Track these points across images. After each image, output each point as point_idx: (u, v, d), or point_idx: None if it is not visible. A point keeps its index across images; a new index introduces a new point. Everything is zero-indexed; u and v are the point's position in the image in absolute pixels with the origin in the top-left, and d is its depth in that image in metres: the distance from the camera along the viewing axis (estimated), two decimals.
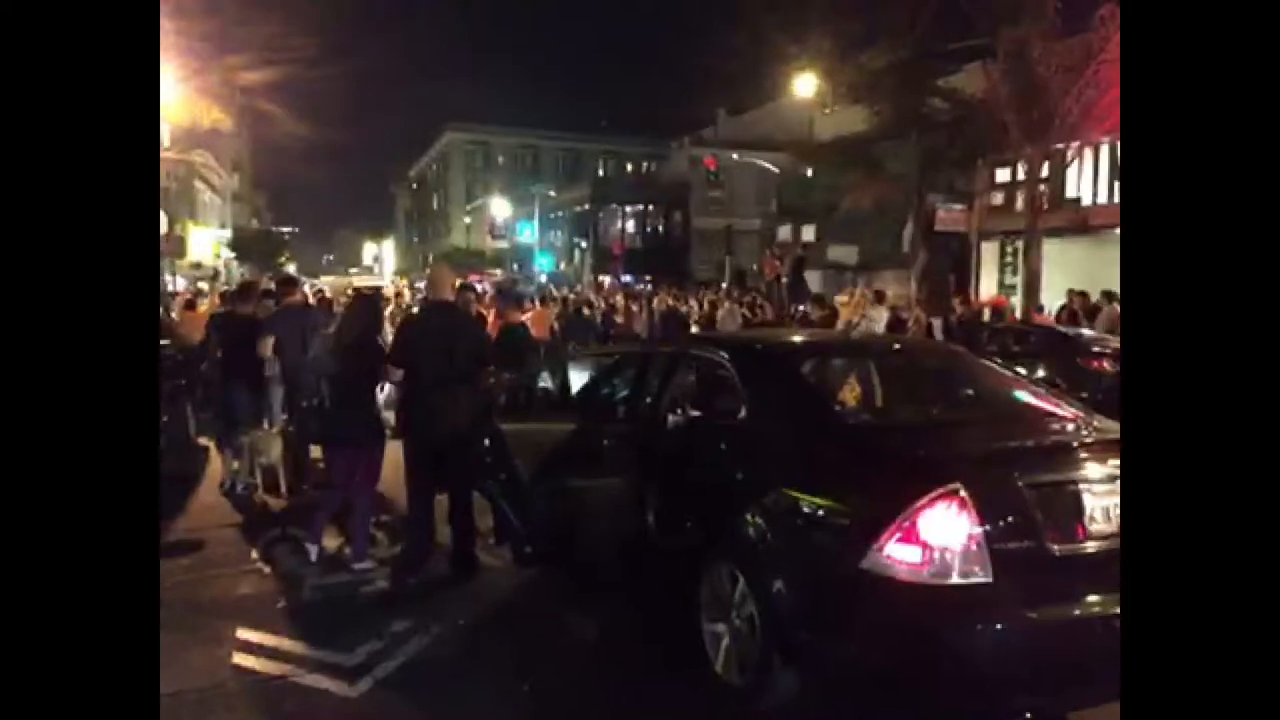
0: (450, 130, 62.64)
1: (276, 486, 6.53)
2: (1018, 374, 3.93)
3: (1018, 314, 13.37)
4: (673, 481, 3.80)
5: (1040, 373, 9.54)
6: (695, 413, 3.98)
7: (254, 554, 5.23)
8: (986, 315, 12.94)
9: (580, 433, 4.04)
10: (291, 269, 56.88)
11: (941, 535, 2.53)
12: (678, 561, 3.59)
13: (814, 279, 21.72)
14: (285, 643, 3.94)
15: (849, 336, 4.45)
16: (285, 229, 67.51)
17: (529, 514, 3.87)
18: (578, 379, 4.80)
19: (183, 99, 16.38)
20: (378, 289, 14.98)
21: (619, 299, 18.60)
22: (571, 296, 19.94)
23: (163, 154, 20.47)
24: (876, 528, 2.61)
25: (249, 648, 3.87)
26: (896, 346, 4.42)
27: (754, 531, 3.09)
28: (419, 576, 4.67)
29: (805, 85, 23.39)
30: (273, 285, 7.69)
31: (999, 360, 8.69)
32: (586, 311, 13.84)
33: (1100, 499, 2.71)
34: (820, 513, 2.88)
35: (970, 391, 3.88)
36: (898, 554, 2.56)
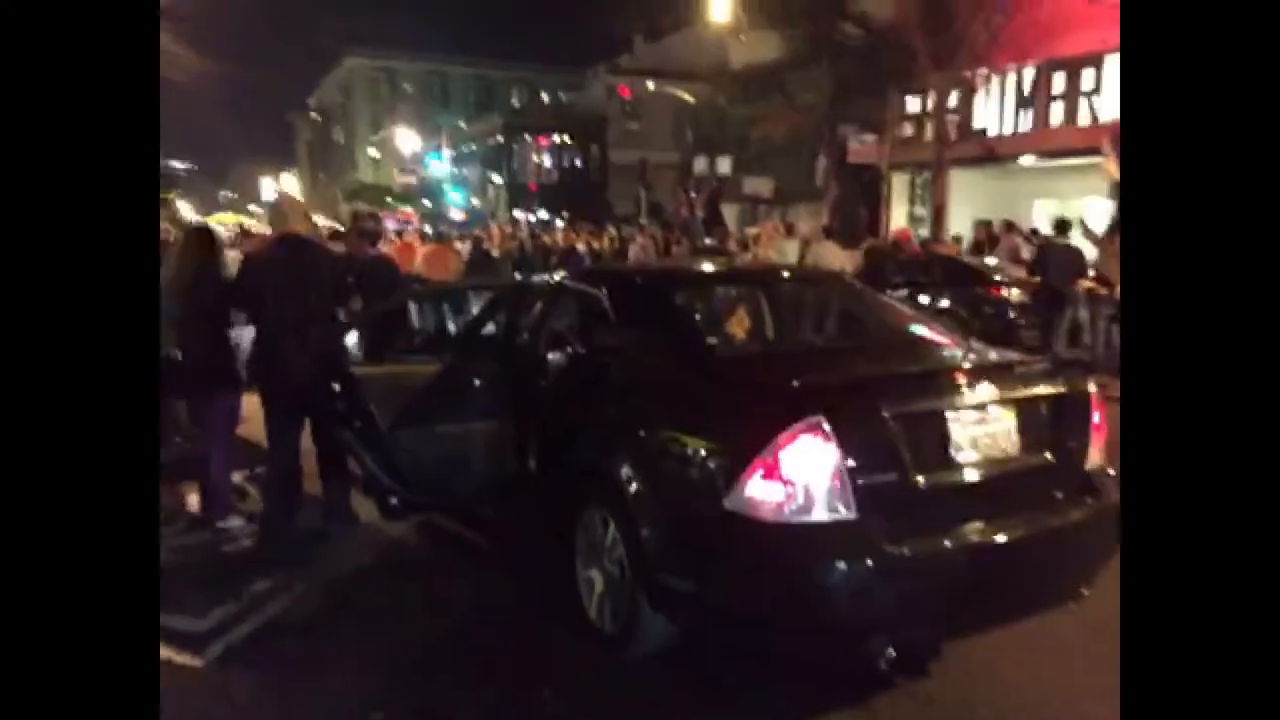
0: (351, 56, 58.92)
1: None
2: (901, 302, 3.82)
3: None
4: (547, 423, 3.58)
5: (944, 303, 9.76)
6: (570, 350, 3.74)
7: None
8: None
9: (448, 374, 3.75)
10: (183, 206, 53.26)
11: (804, 471, 2.38)
12: (552, 506, 3.41)
13: (730, 212, 21.60)
14: None
15: (733, 266, 4.24)
16: (178, 164, 62.93)
17: (392, 463, 3.59)
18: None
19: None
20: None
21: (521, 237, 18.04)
22: (485, 236, 19.26)
23: None
24: (738, 465, 2.45)
25: None
26: (783, 274, 4.25)
27: (623, 473, 2.91)
28: (286, 531, 4.35)
29: (721, 8, 22.84)
30: None
31: (905, 292, 8.91)
32: (493, 252, 13.29)
33: (968, 428, 2.62)
34: (685, 451, 2.71)
35: (847, 321, 3.77)
36: (760, 492, 2.42)
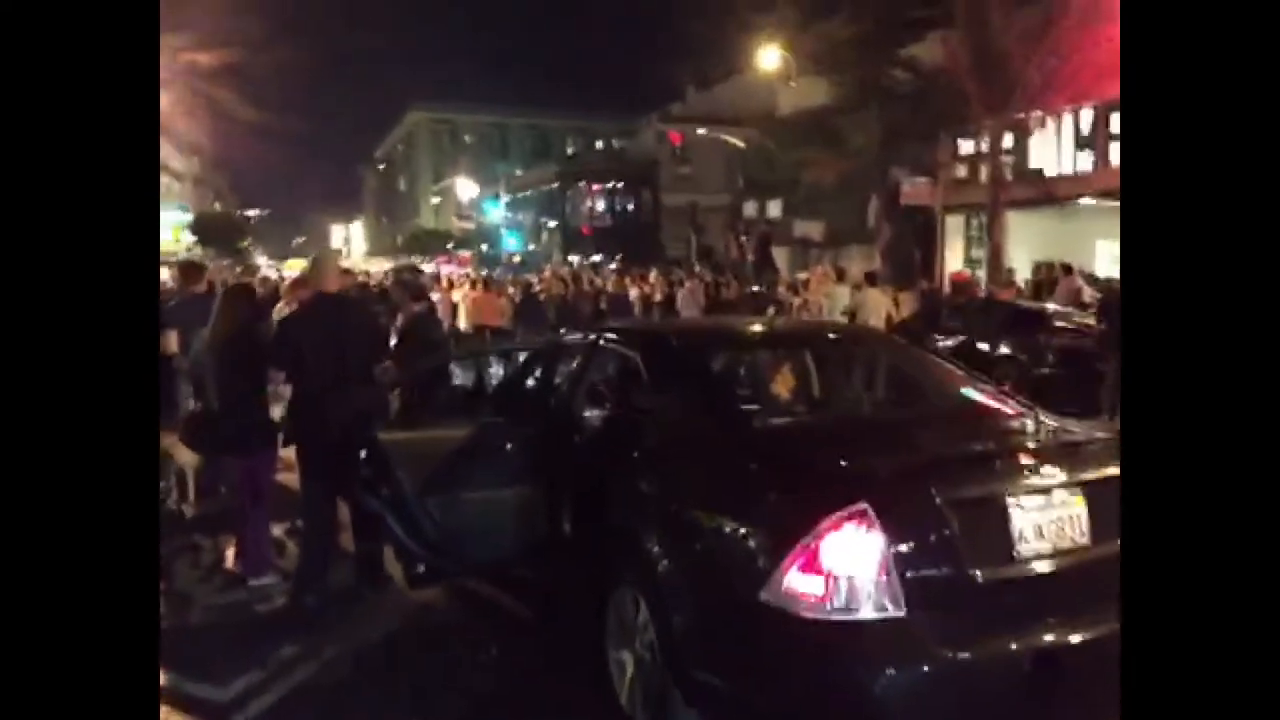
0: (415, 110, 61.32)
1: (185, 492, 6.09)
2: (957, 365, 3.58)
3: (982, 289, 13.15)
4: (578, 491, 3.44)
5: (1004, 349, 9.35)
6: (604, 412, 3.61)
7: None
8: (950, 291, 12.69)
9: (479, 436, 3.65)
10: (260, 255, 55.66)
11: (847, 563, 2.18)
12: (583, 580, 3.25)
13: (781, 255, 21.44)
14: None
15: (774, 325, 4.06)
16: (253, 211, 66.01)
17: (419, 530, 3.49)
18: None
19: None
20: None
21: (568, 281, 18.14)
22: (535, 281, 19.45)
23: None
24: (775, 553, 2.26)
25: None
26: (828, 334, 4.04)
27: (653, 550, 2.74)
28: (318, 593, 4.28)
29: (770, 57, 22.98)
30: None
31: (962, 335, 8.53)
32: (541, 295, 13.34)
33: (1032, 515, 2.37)
34: (719, 532, 2.52)
35: (897, 387, 3.55)
36: (799, 584, 2.22)
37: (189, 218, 41.22)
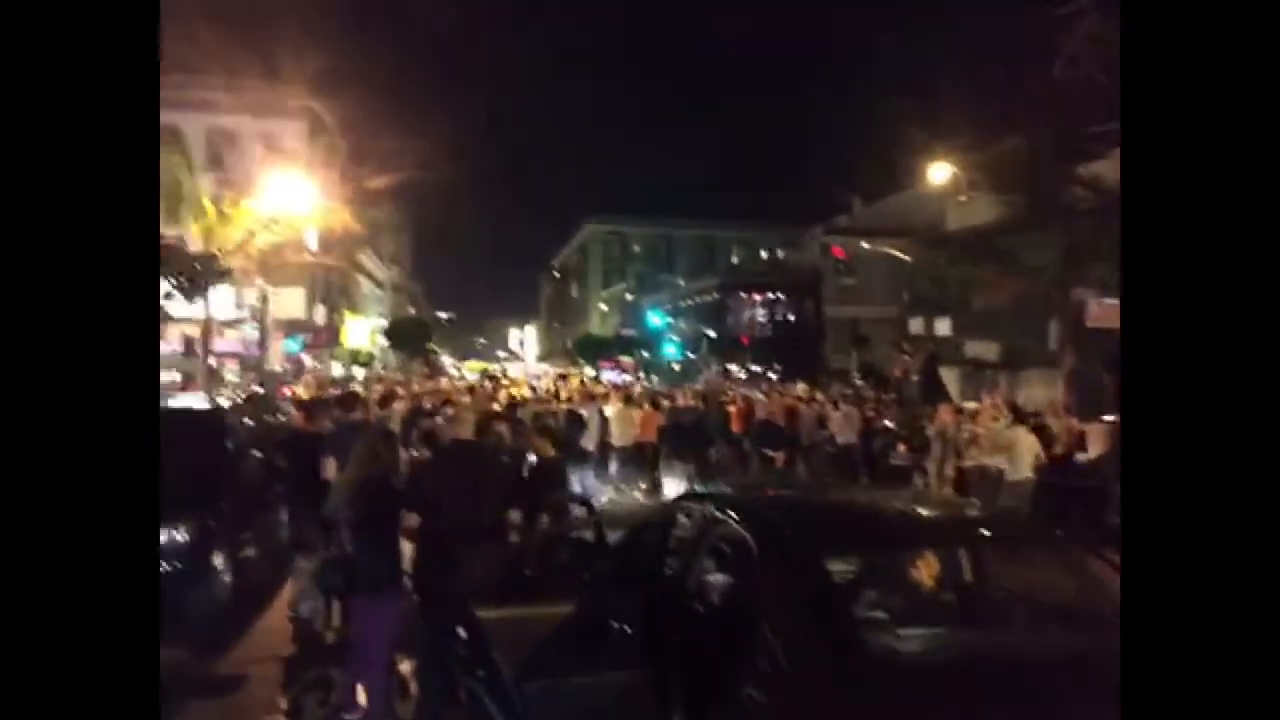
0: (590, 223, 65.59)
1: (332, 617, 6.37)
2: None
3: None
4: (690, 680, 3.18)
5: None
6: (717, 598, 3.37)
7: (283, 703, 5.00)
8: None
9: (585, 612, 3.52)
10: (445, 356, 60.74)
11: None
12: None
13: (952, 376, 20.16)
14: None
15: (917, 512, 3.64)
16: (443, 314, 72.67)
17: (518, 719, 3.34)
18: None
19: (324, 209, 17.89)
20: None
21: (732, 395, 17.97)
22: (687, 395, 19.52)
23: (317, 258, 22.47)
24: None
25: None
26: (978, 528, 3.55)
27: None
28: None
29: (939, 172, 22.47)
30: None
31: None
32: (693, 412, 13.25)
33: None
34: None
35: (1058, 610, 3.02)
36: None
37: (384, 324, 45.89)
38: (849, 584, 3.23)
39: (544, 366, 55.42)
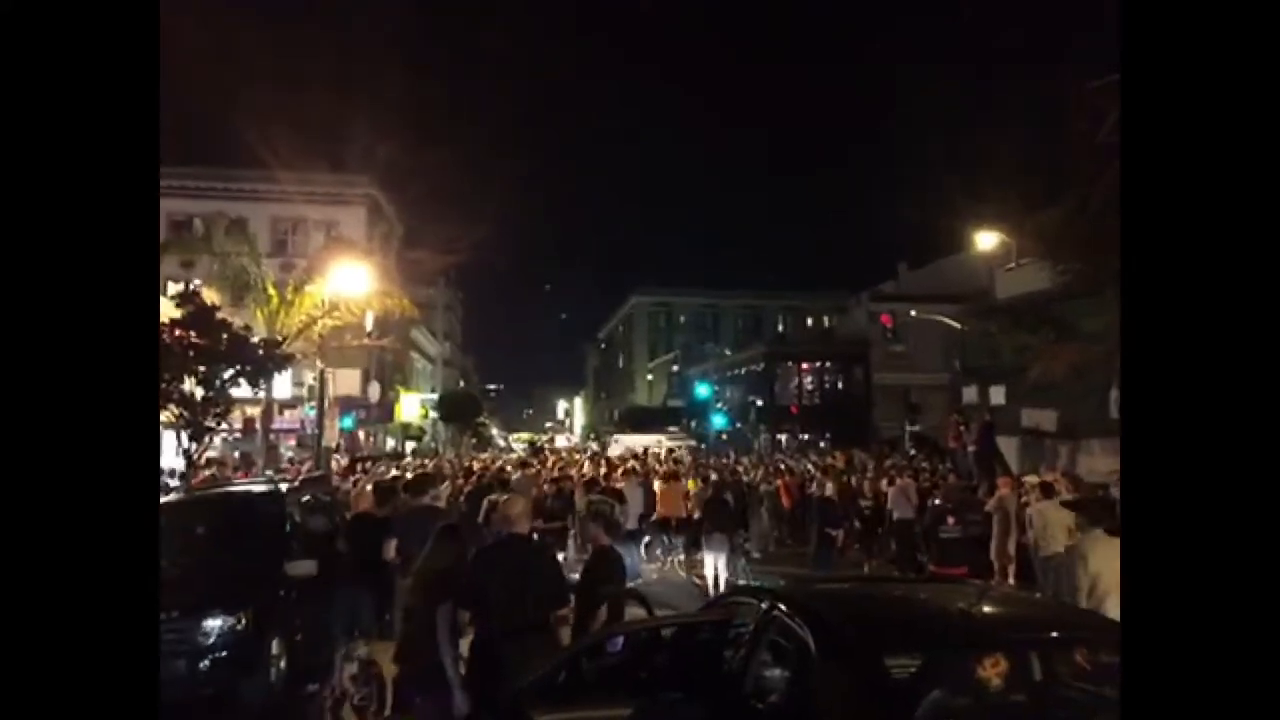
0: (636, 295, 66.52)
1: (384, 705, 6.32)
2: None
3: None
4: None
5: None
6: (777, 700, 3.28)
7: None
8: None
9: (643, 716, 3.44)
10: (494, 427, 61.44)
11: None
12: None
13: (1010, 446, 19.51)
14: None
15: (982, 610, 3.51)
16: (492, 386, 73.82)
17: None
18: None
19: (382, 292, 18.55)
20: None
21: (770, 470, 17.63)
22: (726, 468, 19.20)
23: (373, 340, 23.21)
24: None
25: None
26: (1046, 631, 3.37)
27: None
28: None
29: (987, 239, 22.32)
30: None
31: None
32: (728, 494, 13.04)
33: None
34: None
35: None
36: None
37: (435, 398, 46.78)
38: (912, 681, 3.12)
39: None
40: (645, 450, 25.15)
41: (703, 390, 45.77)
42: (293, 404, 25.44)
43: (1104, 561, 4.74)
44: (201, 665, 5.82)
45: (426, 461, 21.96)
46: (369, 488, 7.75)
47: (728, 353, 49.95)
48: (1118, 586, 4.61)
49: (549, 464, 19.35)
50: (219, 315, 12.55)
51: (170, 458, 13.00)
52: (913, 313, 28.20)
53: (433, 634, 4.47)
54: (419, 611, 4.48)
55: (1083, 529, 5.76)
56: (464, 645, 4.42)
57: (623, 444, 31.82)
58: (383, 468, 16.79)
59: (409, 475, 10.21)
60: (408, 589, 4.50)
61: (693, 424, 44.57)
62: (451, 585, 4.45)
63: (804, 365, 42.05)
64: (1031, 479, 11.89)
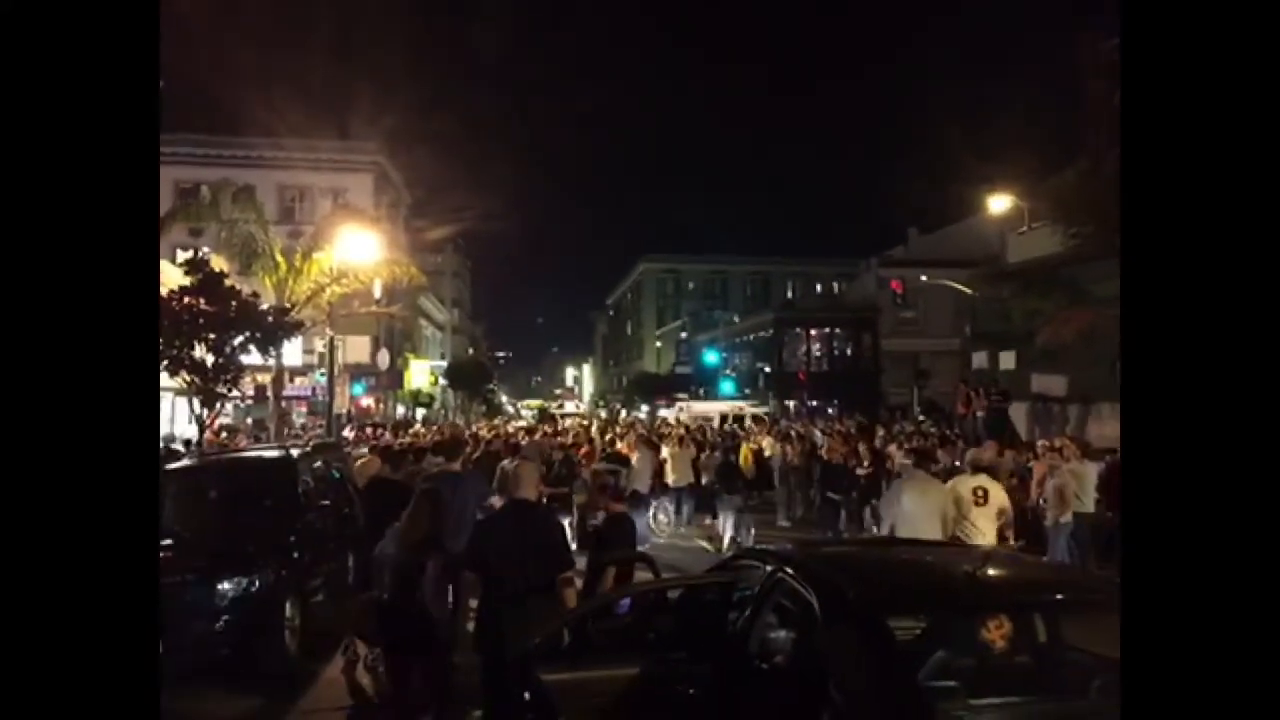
0: (645, 261, 66.20)
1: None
2: None
3: None
4: None
5: None
6: (783, 660, 3.33)
7: None
8: None
9: (650, 675, 3.50)
10: (503, 395, 61.67)
11: None
12: None
13: (1019, 412, 19.49)
14: None
15: (987, 572, 3.52)
16: (501, 353, 73.98)
17: None
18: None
19: (390, 260, 18.52)
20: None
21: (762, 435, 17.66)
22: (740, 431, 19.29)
23: (381, 308, 23.23)
24: None
25: None
26: (1052, 593, 3.39)
27: None
28: None
29: (999, 203, 22.02)
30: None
31: None
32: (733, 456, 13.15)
33: None
34: None
35: None
36: None
37: (444, 365, 46.98)
38: (916, 643, 3.16)
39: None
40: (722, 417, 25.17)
41: (711, 357, 45.74)
42: (303, 371, 25.61)
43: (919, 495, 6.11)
44: (217, 626, 5.94)
45: (442, 428, 22.15)
46: (374, 456, 7.81)
47: (736, 319, 49.77)
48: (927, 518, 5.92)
49: (564, 429, 19.50)
50: (228, 282, 12.56)
51: (182, 425, 13.13)
52: (923, 278, 27.97)
53: (421, 596, 4.44)
54: (405, 574, 4.44)
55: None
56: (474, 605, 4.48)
57: (692, 410, 31.77)
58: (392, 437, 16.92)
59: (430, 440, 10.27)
60: (393, 557, 4.50)
61: (701, 391, 44.64)
62: (430, 548, 4.46)
63: (812, 331, 41.89)
64: (1042, 443, 11.89)
